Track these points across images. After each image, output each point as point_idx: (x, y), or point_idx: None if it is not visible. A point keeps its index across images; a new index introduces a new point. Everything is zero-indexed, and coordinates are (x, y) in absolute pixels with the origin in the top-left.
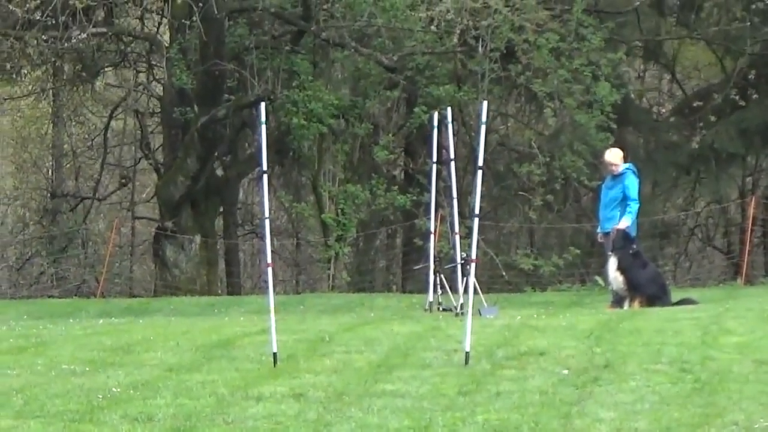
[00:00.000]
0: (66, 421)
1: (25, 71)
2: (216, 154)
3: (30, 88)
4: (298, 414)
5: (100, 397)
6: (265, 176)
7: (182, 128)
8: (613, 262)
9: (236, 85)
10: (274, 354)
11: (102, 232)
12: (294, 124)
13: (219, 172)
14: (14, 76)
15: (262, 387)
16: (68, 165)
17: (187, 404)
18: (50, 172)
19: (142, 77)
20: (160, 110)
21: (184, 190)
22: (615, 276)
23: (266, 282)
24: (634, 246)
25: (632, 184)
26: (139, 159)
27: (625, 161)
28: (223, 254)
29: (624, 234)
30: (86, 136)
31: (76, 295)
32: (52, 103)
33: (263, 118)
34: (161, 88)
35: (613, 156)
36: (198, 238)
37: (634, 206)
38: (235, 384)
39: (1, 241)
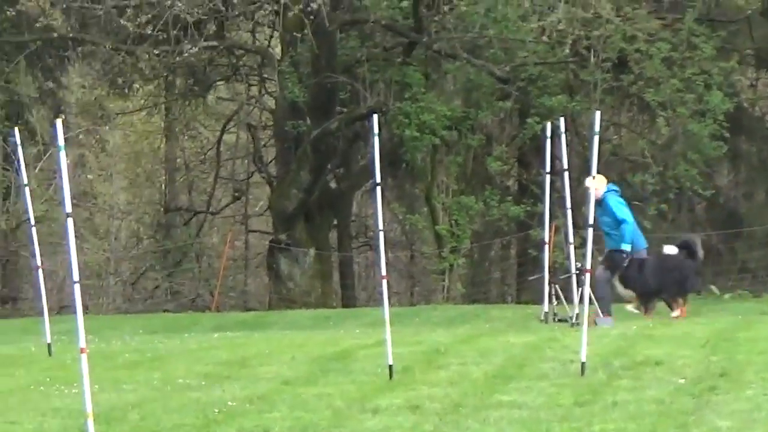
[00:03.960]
0: None
1: (137, 86)
2: (329, 166)
3: (142, 102)
4: (415, 426)
5: (216, 411)
6: (378, 188)
7: (295, 141)
8: (618, 284)
9: (348, 98)
10: (390, 366)
11: (216, 246)
12: (406, 135)
13: (332, 184)
14: (126, 90)
15: (378, 399)
16: (181, 179)
17: (304, 417)
18: (163, 187)
19: (254, 91)
20: (272, 123)
21: (298, 203)
22: (626, 293)
23: (381, 294)
24: (624, 255)
25: (616, 205)
26: (252, 172)
27: (737, 171)
28: (338, 267)
29: (612, 255)
30: (199, 150)
31: (190, 309)
32: (164, 117)
33: (376, 130)
34: (273, 101)
35: (594, 182)
36: (312, 251)
37: (625, 228)
38: (351, 396)
39: (115, 256)
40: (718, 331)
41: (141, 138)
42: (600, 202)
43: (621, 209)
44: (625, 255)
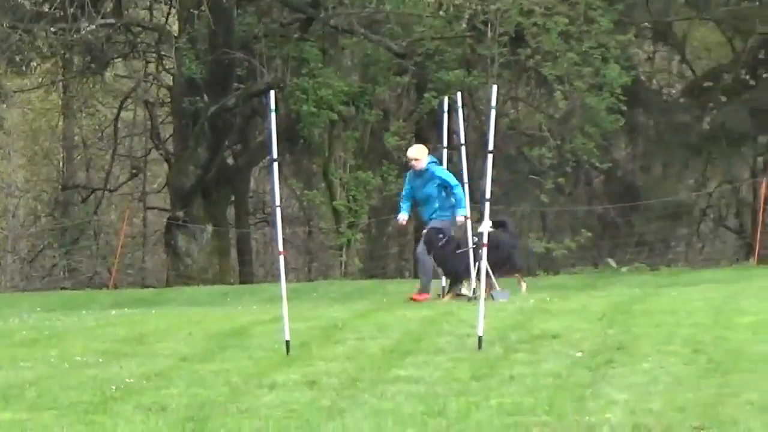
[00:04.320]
0: (79, 413)
1: (35, 64)
2: (226, 143)
3: (40, 80)
4: (312, 401)
5: (114, 388)
6: (276, 164)
7: (192, 118)
8: (433, 262)
9: (246, 74)
10: (287, 342)
11: (114, 223)
12: (304, 111)
13: (230, 161)
14: (24, 68)
15: (275, 375)
16: (79, 156)
17: (201, 393)
18: (61, 164)
19: (152, 68)
20: (170, 100)
21: (195, 180)
22: (440, 270)
23: (278, 270)
24: (441, 236)
25: (443, 172)
26: (150, 149)
27: (635, 144)
28: (236, 243)
29: (435, 232)
30: (96, 127)
31: (88, 287)
32: (62, 95)
33: (273, 106)
34: (171, 78)
35: (417, 151)
36: (210, 228)
37: (459, 192)
38: (249, 372)
39: (13, 234)
40: (615, 304)
41: (39, 116)
42: (422, 173)
43: (450, 175)
44: (441, 233)
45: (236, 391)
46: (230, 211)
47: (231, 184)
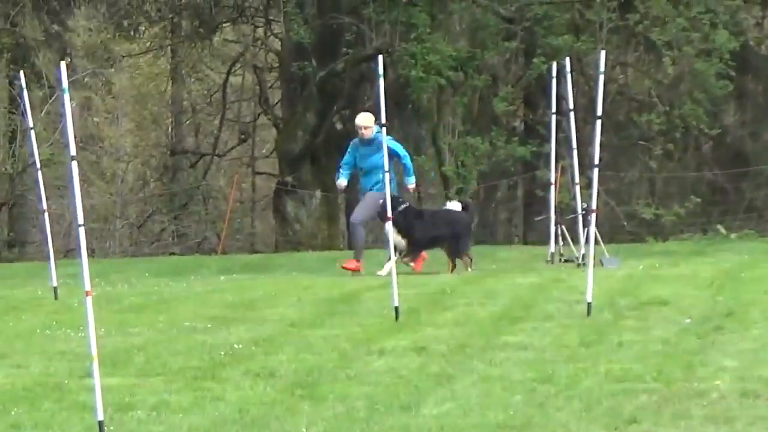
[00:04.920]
0: (188, 378)
1: (143, 28)
2: (335, 108)
3: (148, 45)
4: (421, 367)
5: (222, 353)
6: (384, 129)
7: (301, 83)
8: (390, 228)
9: (354, 39)
10: (396, 308)
11: (222, 189)
12: (412, 76)
13: (338, 126)
14: (132, 33)
15: (384, 341)
16: (187, 121)
17: (309, 359)
18: (170, 129)
19: (260, 32)
20: (278, 65)
21: (304, 145)
22: (398, 240)
23: (387, 235)
24: (401, 200)
25: (393, 143)
26: (258, 114)
27: (743, 110)
28: (344, 209)
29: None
30: (205, 92)
31: (197, 252)
32: (170, 59)
33: (381, 71)
34: (279, 43)
35: (367, 119)
36: (318, 193)
37: (408, 160)
38: (357, 338)
39: (121, 199)
40: (724, 271)
41: (147, 80)
42: (370, 142)
43: (399, 145)
44: (400, 200)
45: (345, 357)
46: None
47: (339, 149)
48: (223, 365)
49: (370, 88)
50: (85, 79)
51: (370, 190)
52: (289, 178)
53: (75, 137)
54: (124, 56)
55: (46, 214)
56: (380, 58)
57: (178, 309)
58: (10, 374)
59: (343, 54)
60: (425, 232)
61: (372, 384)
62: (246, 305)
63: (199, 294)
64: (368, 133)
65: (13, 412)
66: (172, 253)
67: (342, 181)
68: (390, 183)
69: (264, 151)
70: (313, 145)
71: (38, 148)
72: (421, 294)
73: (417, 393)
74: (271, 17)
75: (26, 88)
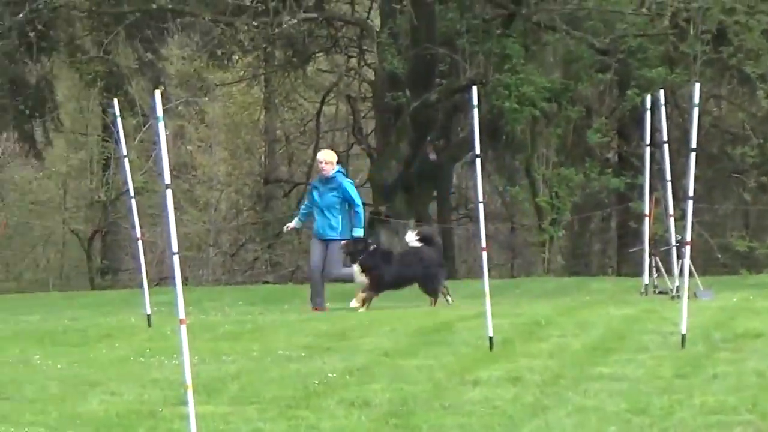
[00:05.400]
0: (282, 407)
1: (236, 57)
2: (428, 138)
3: (241, 74)
4: (516, 398)
5: (316, 382)
6: (478, 160)
7: (394, 113)
8: (357, 269)
9: (448, 69)
10: (490, 338)
11: None
12: (506, 107)
13: (432, 156)
14: (225, 62)
15: (478, 371)
16: (281, 150)
17: (404, 389)
18: (263, 158)
19: (354, 62)
20: (371, 95)
21: (397, 175)
22: (362, 279)
23: (481, 266)
24: (370, 242)
25: (351, 188)
26: (352, 144)
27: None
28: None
29: (355, 241)
30: (298, 121)
31: (290, 281)
32: (263, 88)
33: (475, 102)
34: (373, 73)
35: (329, 155)
36: (412, 223)
37: (361, 210)
38: (452, 368)
39: (215, 227)
40: None
41: (240, 109)
42: (329, 180)
43: (356, 193)
44: (366, 242)
45: (439, 387)
46: (432, 207)
47: (433, 179)
48: (317, 394)
49: (463, 119)
50: (179, 108)
51: (325, 237)
52: (382, 208)
53: (169, 165)
54: (217, 85)
55: (140, 242)
56: (474, 88)
57: (272, 337)
58: (104, 401)
59: (437, 84)
60: (393, 273)
61: (466, 414)
62: (339, 335)
63: (293, 323)
64: (328, 169)
65: None
66: (266, 282)
67: (292, 224)
68: (342, 227)
69: (357, 180)
70: (406, 175)
71: (131, 175)
72: (514, 324)
73: (511, 423)
74: (365, 47)
75: (120, 115)
